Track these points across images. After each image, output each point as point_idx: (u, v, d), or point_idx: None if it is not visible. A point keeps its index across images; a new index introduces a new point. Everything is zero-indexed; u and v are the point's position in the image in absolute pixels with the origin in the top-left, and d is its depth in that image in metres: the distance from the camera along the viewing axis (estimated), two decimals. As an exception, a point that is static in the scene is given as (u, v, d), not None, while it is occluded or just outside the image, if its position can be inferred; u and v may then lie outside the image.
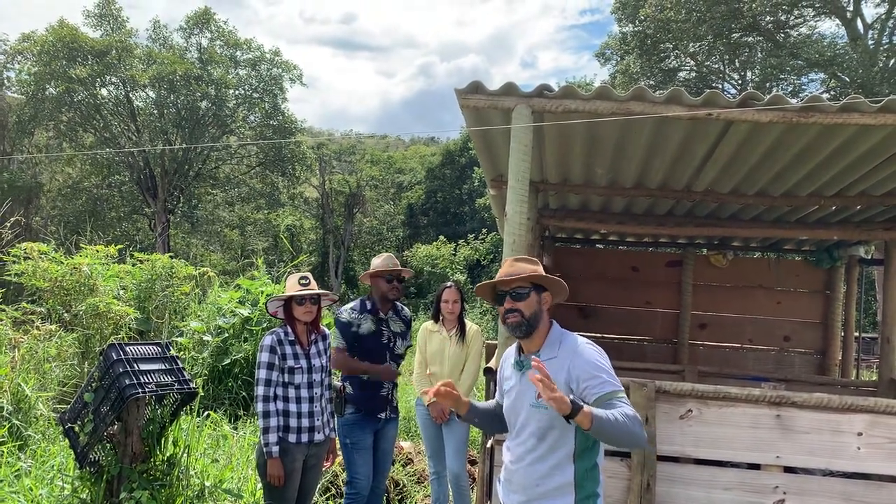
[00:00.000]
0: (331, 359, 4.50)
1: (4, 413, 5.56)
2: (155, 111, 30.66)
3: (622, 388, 2.66)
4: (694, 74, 25.90)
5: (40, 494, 4.35)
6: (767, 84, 22.44)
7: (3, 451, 4.76)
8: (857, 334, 8.03)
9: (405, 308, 5.08)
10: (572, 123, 4.15)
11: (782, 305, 7.91)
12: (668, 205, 6.51)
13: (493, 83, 4.03)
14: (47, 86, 28.28)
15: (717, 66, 26.11)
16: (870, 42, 21.45)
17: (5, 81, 29.86)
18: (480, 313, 21.43)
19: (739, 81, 25.49)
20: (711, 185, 5.63)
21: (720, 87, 25.60)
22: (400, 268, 4.78)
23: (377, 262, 4.82)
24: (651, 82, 23.63)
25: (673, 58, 25.42)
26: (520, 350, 2.93)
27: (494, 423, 3.07)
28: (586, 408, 2.46)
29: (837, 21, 22.62)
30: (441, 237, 31.92)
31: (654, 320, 8.03)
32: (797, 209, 6.25)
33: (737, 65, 25.43)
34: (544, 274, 2.88)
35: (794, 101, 3.78)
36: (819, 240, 7.38)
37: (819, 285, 7.88)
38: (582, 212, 6.96)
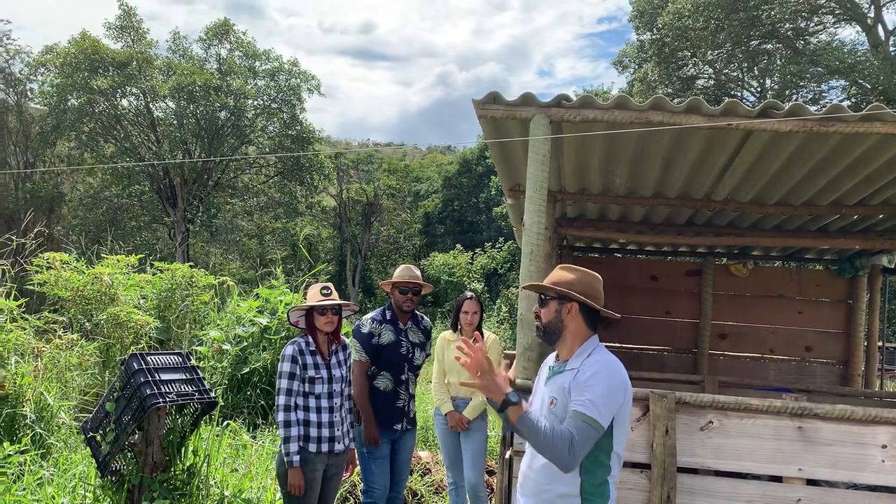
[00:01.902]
0: (351, 370, 4.51)
1: (27, 421, 5.62)
2: (174, 121, 30.98)
3: (596, 420, 2.56)
4: (712, 82, 25.80)
5: (62, 503, 4.39)
6: (787, 91, 22.29)
7: (25, 460, 4.80)
8: (880, 344, 7.94)
9: (425, 318, 5.08)
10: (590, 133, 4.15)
11: (804, 315, 7.84)
12: (687, 214, 6.48)
13: (511, 92, 4.04)
14: (69, 97, 28.66)
15: (735, 73, 25.99)
16: (891, 49, 21.27)
17: (28, 93, 30.30)
18: (498, 322, 21.39)
19: (758, 89, 25.35)
20: (731, 193, 5.60)
21: (739, 94, 25.48)
22: (415, 281, 4.77)
23: (396, 272, 4.84)
24: (669, 90, 23.57)
25: (691, 66, 25.34)
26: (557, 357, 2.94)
27: None
28: (524, 405, 2.58)
29: (858, 28, 22.46)
30: (458, 246, 31.95)
31: (673, 330, 7.99)
32: (818, 218, 6.20)
33: (756, 72, 25.29)
34: (552, 286, 2.85)
35: (814, 108, 3.76)
36: (841, 249, 7.31)
37: (841, 295, 7.80)
38: (600, 221, 6.95)
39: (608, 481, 2.72)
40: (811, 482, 3.78)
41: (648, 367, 7.71)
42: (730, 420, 3.82)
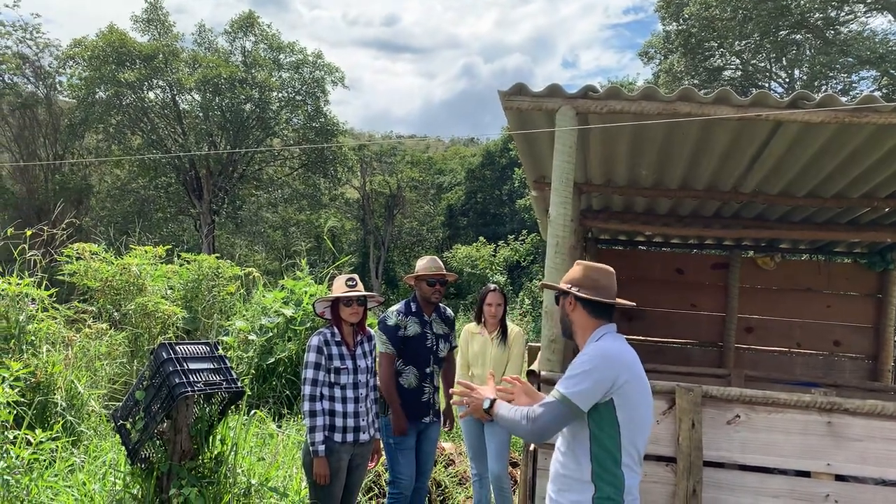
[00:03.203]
0: (378, 363, 4.53)
1: (59, 409, 5.72)
2: (200, 114, 31.18)
3: (564, 395, 2.72)
4: (739, 73, 25.48)
5: (93, 489, 4.46)
6: (816, 82, 21.95)
7: (57, 446, 4.89)
8: (911, 339, 7.80)
9: (447, 309, 5.08)
10: (617, 125, 4.13)
11: (832, 309, 7.73)
12: (714, 206, 6.42)
13: (535, 84, 4.03)
14: (97, 90, 28.95)
15: (763, 64, 25.62)
16: (924, 38, 20.84)
17: (57, 86, 30.67)
18: (521, 314, 21.35)
19: (787, 80, 24.98)
20: (760, 186, 5.54)
21: (766, 85, 25.13)
22: (443, 272, 4.79)
23: (421, 264, 4.84)
24: (695, 81, 23.31)
25: (718, 56, 25.03)
26: None
27: None
28: (494, 408, 2.93)
29: (890, 17, 22.03)
30: (481, 238, 31.85)
31: (699, 323, 7.92)
32: (849, 210, 6.10)
33: (784, 63, 24.92)
34: (555, 283, 3.07)
35: (844, 99, 3.70)
36: (872, 242, 7.20)
37: (871, 288, 7.68)
38: (626, 213, 6.90)
39: (620, 469, 2.75)
40: (839, 478, 3.74)
41: (673, 361, 7.65)
42: (757, 414, 3.79)
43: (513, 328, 5.27)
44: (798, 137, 4.39)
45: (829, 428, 3.71)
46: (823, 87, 22.28)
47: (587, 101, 3.92)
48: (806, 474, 3.78)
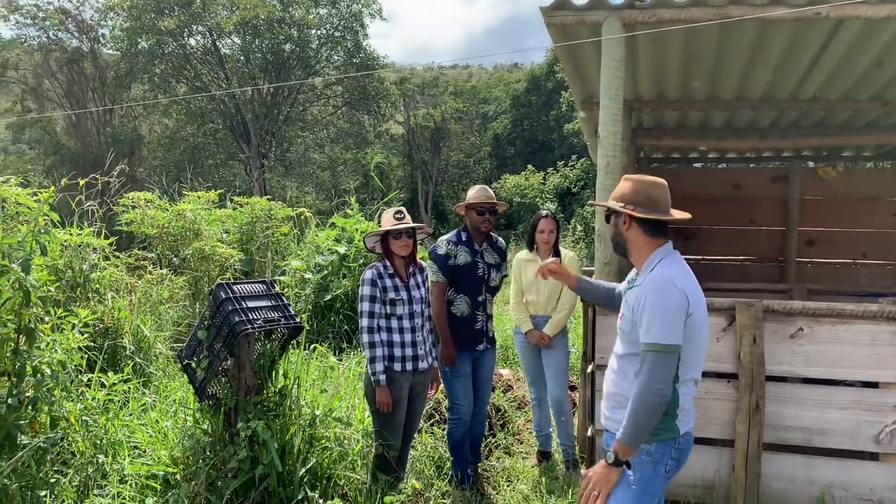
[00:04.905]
0: (430, 292, 4.55)
1: (127, 352, 5.93)
2: (242, 57, 31.20)
3: (662, 343, 2.58)
4: (795, -25, 24.13)
5: (166, 426, 4.65)
6: (878, -21, 20.64)
7: (129, 388, 5.09)
8: (984, 244, 7.47)
9: (500, 239, 5.04)
10: (667, 36, 3.95)
11: (900, 217, 7.43)
12: (771, 116, 6.17)
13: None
14: (139, 39, 29.18)
15: (820, -36, 24.21)
16: None
17: (101, 39, 30.96)
18: (573, 241, 21.19)
19: (846, -21, 23.58)
20: (819, 91, 5.29)
21: (824, -14, 23.79)
22: (493, 201, 4.74)
23: (471, 193, 4.79)
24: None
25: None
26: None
27: (599, 295, 3.32)
28: (622, 446, 2.64)
29: None
30: (529, 166, 31.44)
31: (758, 239, 7.72)
32: (917, 112, 5.80)
33: (843, -39, 23.50)
34: (611, 200, 2.88)
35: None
36: (942, 144, 6.85)
37: (942, 193, 7.34)
38: (679, 129, 6.70)
39: (675, 387, 2.71)
40: (910, 387, 3.65)
41: (732, 278, 7.51)
42: (821, 327, 3.70)
43: (566, 253, 5.20)
44: (860, 36, 4.14)
45: (899, 337, 3.60)
46: (887, -16, 20.98)
47: (634, 11, 3.76)
48: (874, 385, 3.70)
